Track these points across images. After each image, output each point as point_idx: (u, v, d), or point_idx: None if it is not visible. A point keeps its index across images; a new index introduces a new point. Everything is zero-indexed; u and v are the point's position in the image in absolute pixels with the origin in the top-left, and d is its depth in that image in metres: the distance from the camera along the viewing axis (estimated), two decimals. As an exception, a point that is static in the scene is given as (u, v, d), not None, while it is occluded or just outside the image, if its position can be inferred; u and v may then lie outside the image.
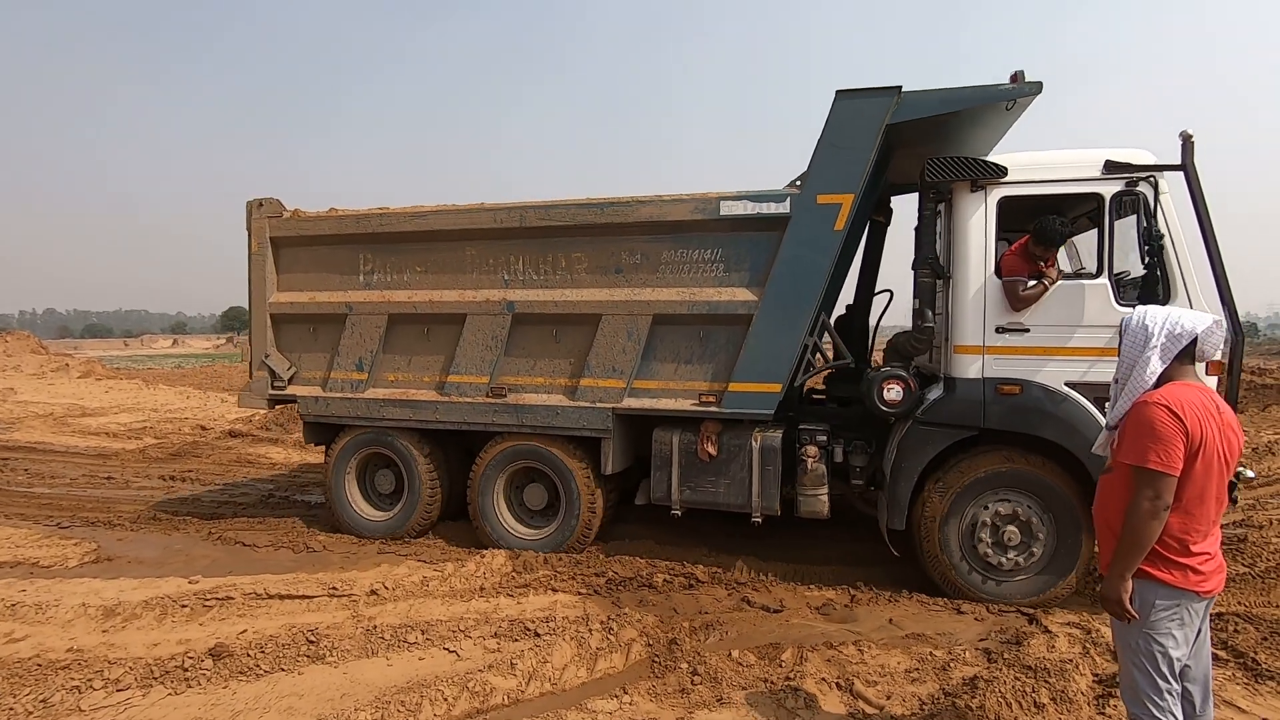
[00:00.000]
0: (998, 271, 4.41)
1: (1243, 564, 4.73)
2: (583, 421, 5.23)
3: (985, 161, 4.40)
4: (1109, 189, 4.24)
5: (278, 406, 7.47)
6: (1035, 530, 4.43)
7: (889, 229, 6.22)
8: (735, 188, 4.89)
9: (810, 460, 4.88)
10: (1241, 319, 4.05)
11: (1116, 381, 2.39)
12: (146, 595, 4.54)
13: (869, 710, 3.27)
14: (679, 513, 5.15)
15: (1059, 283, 4.33)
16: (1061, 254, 4.82)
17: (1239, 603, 4.38)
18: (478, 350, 5.45)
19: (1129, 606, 2.23)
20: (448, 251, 5.51)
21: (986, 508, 4.50)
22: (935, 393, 4.64)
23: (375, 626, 4.08)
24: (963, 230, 4.49)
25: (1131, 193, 4.19)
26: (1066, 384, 4.31)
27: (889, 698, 3.36)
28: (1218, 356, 2.36)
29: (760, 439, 4.93)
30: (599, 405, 5.19)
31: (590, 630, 3.96)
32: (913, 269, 4.74)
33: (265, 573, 5.00)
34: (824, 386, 6.09)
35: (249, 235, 5.94)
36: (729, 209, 4.81)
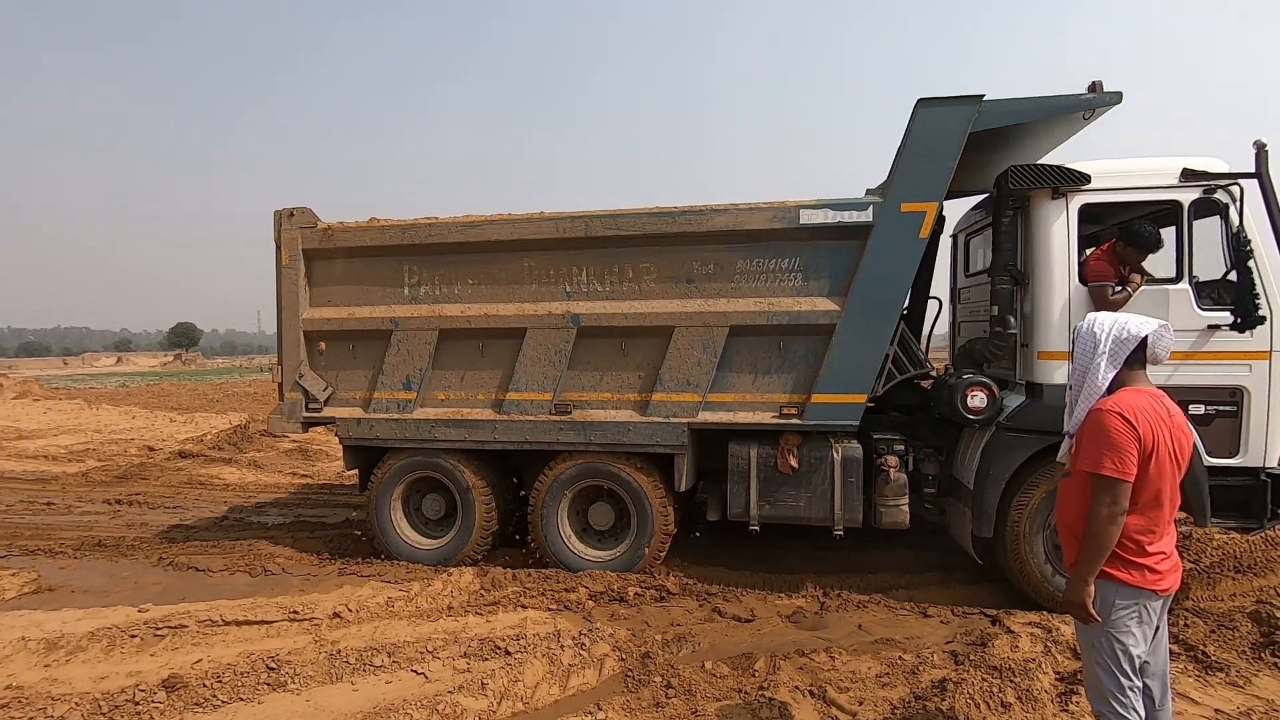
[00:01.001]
0: (1082, 277, 4.45)
1: (1189, 560, 4.92)
2: (656, 438, 5.04)
3: (1069, 169, 4.45)
4: (1187, 196, 4.34)
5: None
6: None
7: (941, 235, 6.29)
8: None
9: (891, 470, 4.80)
10: None
11: (1071, 388, 2.47)
12: (92, 626, 4.33)
13: (842, 717, 3.30)
14: (757, 528, 4.98)
15: (1143, 288, 4.37)
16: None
17: (1187, 597, 4.56)
18: (539, 366, 5.21)
19: (1091, 609, 2.31)
20: (504, 263, 5.25)
21: None
22: (1014, 399, 4.64)
23: (339, 650, 3.95)
24: (1045, 237, 4.51)
25: (1209, 199, 4.31)
26: None
27: (861, 703, 3.39)
28: (1167, 359, 2.45)
29: (841, 450, 4.85)
30: (673, 420, 5.01)
31: (562, 646, 3.91)
32: (989, 276, 4.75)
33: (220, 598, 4.81)
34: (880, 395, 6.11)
35: (278, 247, 5.56)
36: (809, 217, 4.73)
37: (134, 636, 4.18)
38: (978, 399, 4.57)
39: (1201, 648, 3.83)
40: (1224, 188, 4.29)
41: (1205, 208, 4.34)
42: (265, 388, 25.73)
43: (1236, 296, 4.24)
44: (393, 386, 5.48)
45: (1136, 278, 4.41)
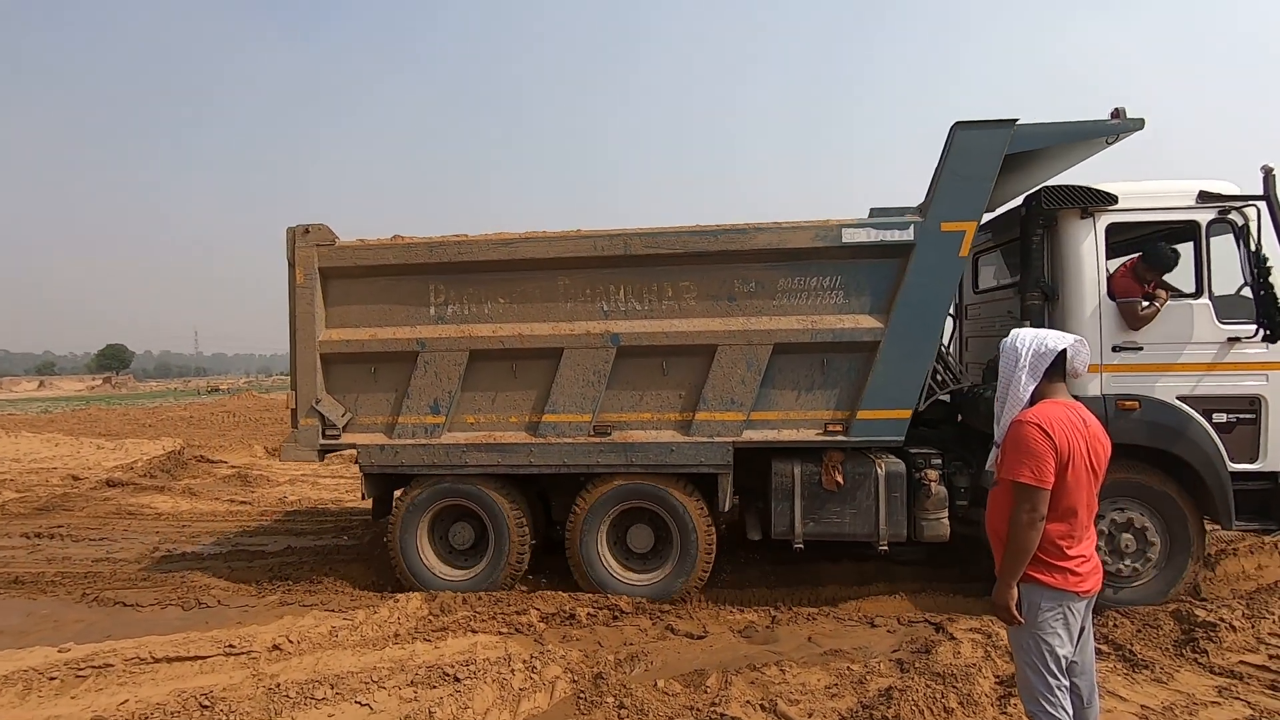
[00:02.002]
0: (1111, 293, 4.66)
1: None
2: (700, 457, 4.98)
3: (1099, 190, 4.68)
4: (1204, 217, 4.62)
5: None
6: (1150, 536, 4.63)
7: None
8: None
9: (932, 484, 4.83)
10: None
11: (998, 400, 2.59)
12: (6, 669, 4.04)
13: (792, 729, 3.33)
14: (801, 546, 4.96)
15: (1168, 303, 4.61)
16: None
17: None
18: (577, 387, 5.07)
19: (1015, 612, 2.41)
20: (537, 281, 5.11)
21: (1103, 516, 4.62)
22: None
23: (278, 685, 3.79)
24: (1075, 255, 4.71)
25: (1224, 220, 4.61)
26: (1178, 398, 4.60)
27: (811, 715, 3.44)
28: (1084, 372, 2.60)
29: (884, 466, 4.88)
30: (717, 440, 4.96)
31: (513, 671, 3.85)
32: (1019, 292, 4.92)
33: (150, 634, 4.56)
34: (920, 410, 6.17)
35: (292, 266, 5.26)
36: (852, 236, 4.78)
37: (53, 679, 3.93)
38: None
39: (1129, 646, 4.02)
40: (1237, 209, 4.60)
41: (1220, 227, 4.64)
42: (202, 411, 24.67)
43: (1264, 310, 4.51)
44: (419, 410, 5.23)
45: (1162, 293, 4.64)
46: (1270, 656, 3.85)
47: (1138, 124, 4.78)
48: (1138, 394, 4.62)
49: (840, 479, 4.87)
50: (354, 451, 5.43)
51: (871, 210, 5.48)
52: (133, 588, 5.64)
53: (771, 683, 3.76)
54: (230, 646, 4.29)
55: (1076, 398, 4.60)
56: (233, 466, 11.97)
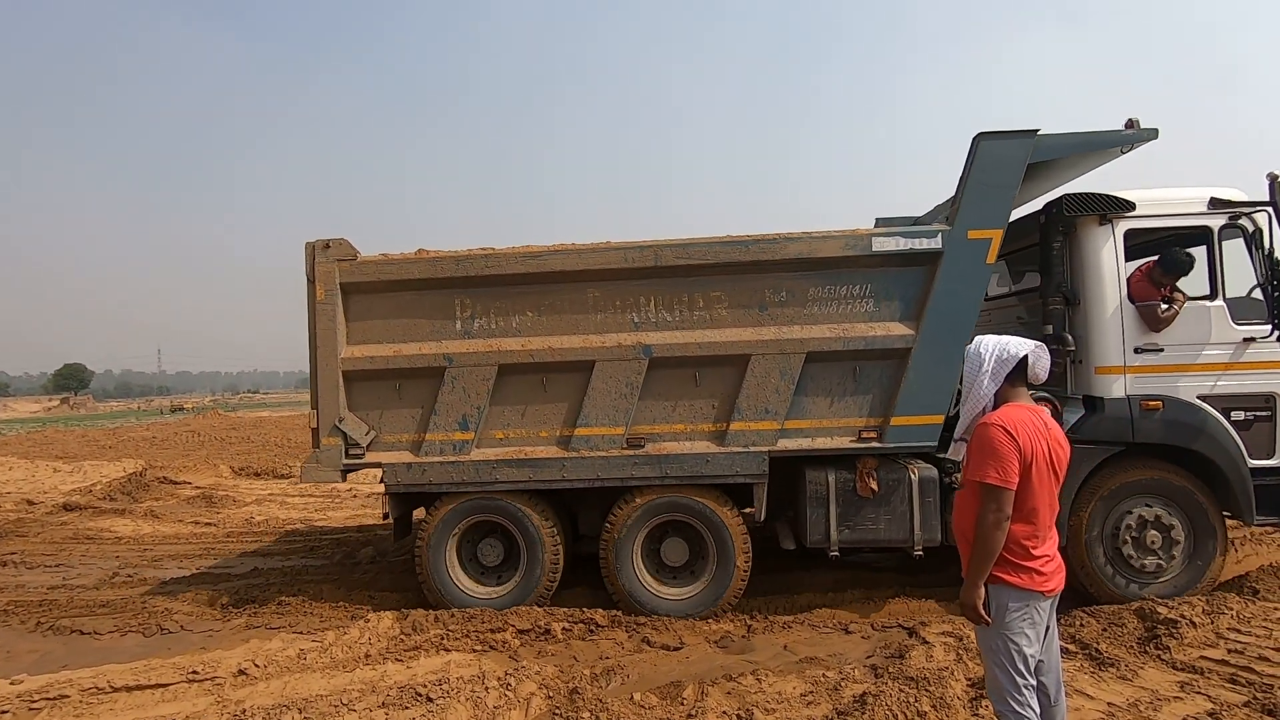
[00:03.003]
0: (1130, 297, 4.81)
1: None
2: (736, 468, 4.97)
3: (1118, 198, 4.82)
4: (1216, 222, 4.81)
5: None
6: (1175, 534, 4.75)
7: None
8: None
9: None
10: None
11: (963, 402, 2.66)
12: (-46, 704, 3.88)
13: (769, 738, 3.34)
14: (836, 554, 4.94)
15: (1186, 305, 4.76)
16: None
17: (1081, 599, 4.87)
18: (610, 399, 5.03)
19: (982, 611, 2.45)
20: (566, 294, 5.08)
21: (1130, 512, 4.79)
22: (1071, 413, 4.90)
23: (244, 711, 3.69)
24: (1095, 260, 4.86)
25: (1235, 225, 4.79)
26: (1199, 397, 4.74)
27: (787, 723, 3.44)
28: (1045, 377, 2.67)
29: (916, 471, 4.88)
30: (752, 449, 4.96)
31: (487, 689, 3.79)
32: (1041, 297, 5.03)
33: (109, 662, 4.41)
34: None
35: (311, 282, 5.15)
36: (881, 245, 4.84)
37: (4, 713, 3.78)
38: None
39: (1095, 645, 4.10)
40: (1247, 214, 4.78)
41: (1231, 232, 4.82)
42: (165, 431, 24.01)
43: (1277, 311, 4.70)
44: (447, 427, 5.14)
45: (1180, 295, 4.79)
46: (1229, 651, 3.96)
47: (1151, 134, 4.95)
48: (1161, 394, 4.76)
49: (876, 485, 4.88)
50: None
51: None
52: (90, 615, 5.46)
53: (748, 692, 3.76)
54: (194, 673, 4.17)
55: (1100, 399, 4.81)
56: (197, 487, 11.65)
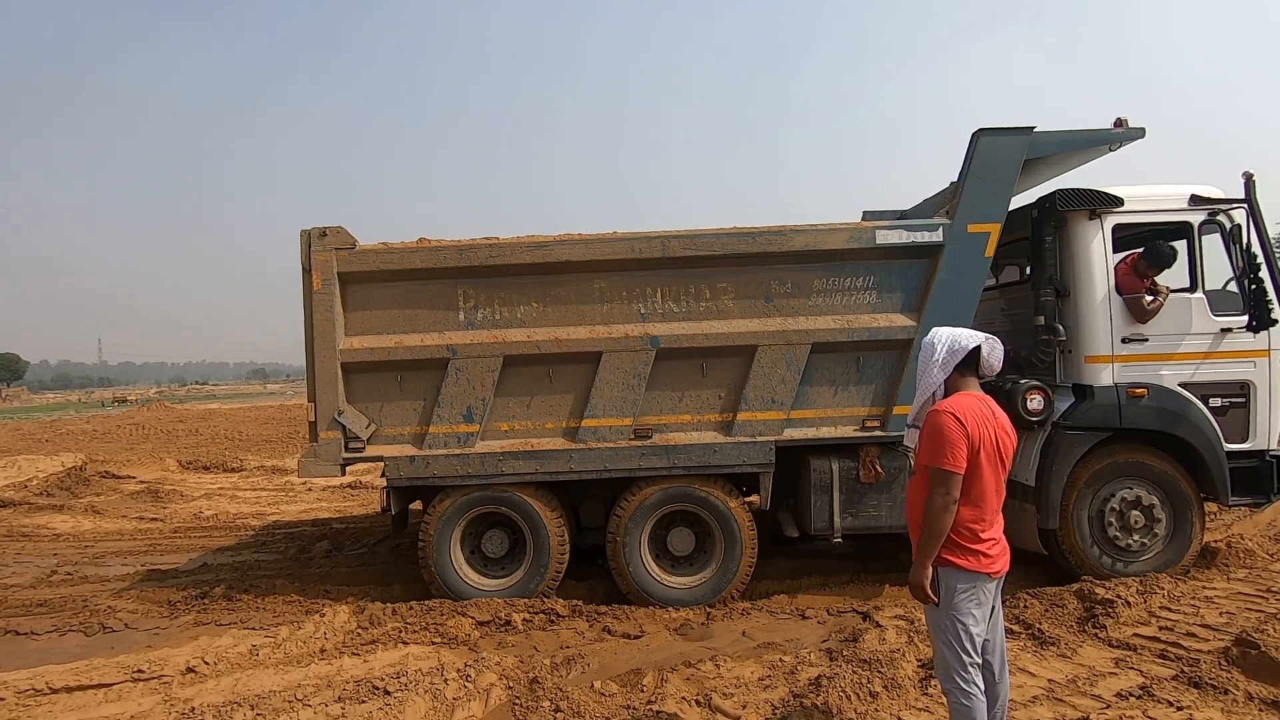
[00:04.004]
0: (1118, 288, 4.99)
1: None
2: (743, 457, 5.01)
3: (1107, 193, 5.00)
4: (1196, 218, 5.04)
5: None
6: (1156, 514, 4.96)
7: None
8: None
9: None
10: None
11: (917, 389, 2.75)
12: (-123, 711, 3.69)
13: (727, 722, 3.40)
14: (840, 540, 5.07)
15: (1169, 297, 4.97)
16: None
17: (1020, 581, 5.05)
18: (617, 390, 5.02)
19: (929, 591, 2.54)
20: (572, 284, 5.04)
21: (1114, 495, 4.99)
22: (1063, 400, 5.06)
23: (193, 709, 3.59)
24: (1085, 253, 5.03)
25: (1213, 221, 5.02)
26: (1180, 385, 4.96)
27: (745, 707, 3.51)
28: (999, 370, 2.77)
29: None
30: (759, 439, 5.00)
31: (446, 680, 3.77)
32: (1033, 289, 5.18)
33: (47, 663, 4.23)
34: None
35: (307, 271, 5.01)
36: (885, 238, 4.92)
37: (-68, 717, 3.61)
38: (1036, 402, 4.94)
39: (1037, 625, 4.28)
40: (1224, 211, 5.01)
41: (1210, 227, 5.06)
42: (107, 424, 23.03)
43: (1251, 303, 4.92)
44: (452, 420, 5.06)
45: (1164, 287, 5.00)
46: (1160, 628, 4.17)
47: (1139, 133, 5.16)
48: (1146, 382, 4.98)
49: (880, 469, 5.02)
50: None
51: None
52: (27, 614, 5.24)
53: (707, 678, 3.81)
54: (139, 672, 4.03)
55: (1090, 386, 4.99)
56: (142, 482, 11.24)
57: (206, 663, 4.13)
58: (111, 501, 9.86)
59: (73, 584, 6.08)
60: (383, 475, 5.18)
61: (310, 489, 10.32)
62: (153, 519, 8.72)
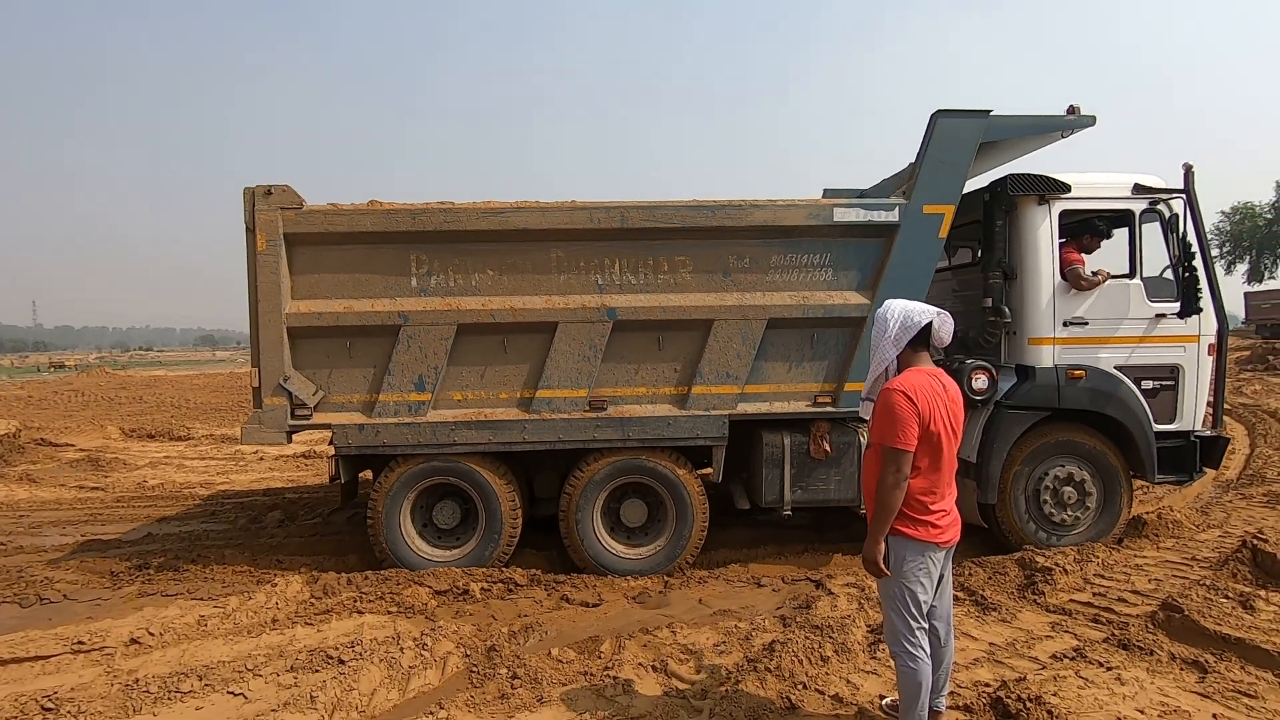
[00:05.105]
0: (1063, 273, 5.12)
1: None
2: (697, 430, 5.03)
3: (1057, 180, 5.09)
4: (1138, 206, 5.20)
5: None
6: (1087, 488, 5.18)
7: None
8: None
9: None
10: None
11: (870, 362, 2.79)
12: None
13: (682, 686, 3.46)
14: (790, 513, 5.15)
15: (1108, 282, 5.13)
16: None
17: (970, 550, 5.27)
18: (572, 362, 4.97)
19: (882, 565, 2.61)
20: (529, 253, 4.94)
21: (1048, 473, 5.18)
22: (1006, 380, 5.21)
23: (137, 680, 3.49)
24: (1032, 237, 5.15)
25: (1154, 210, 5.19)
26: (1116, 367, 5.15)
27: (699, 671, 3.58)
28: (949, 343, 2.82)
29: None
30: (713, 413, 5.03)
31: (402, 649, 3.74)
32: (982, 271, 5.27)
33: (-21, 636, 4.07)
34: None
35: (250, 230, 4.80)
36: (843, 215, 4.94)
37: None
38: (981, 381, 5.08)
39: (980, 592, 4.46)
40: (1164, 200, 5.16)
41: (1150, 216, 5.22)
42: (43, 390, 22.00)
43: (1183, 290, 5.09)
44: (403, 388, 4.96)
45: (1104, 270, 5.17)
46: (1094, 594, 4.39)
47: (1090, 120, 5.29)
48: (1084, 364, 5.16)
49: (829, 448, 5.11)
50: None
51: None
52: (-44, 586, 5.01)
53: (663, 644, 3.87)
54: (79, 643, 3.91)
55: (1031, 367, 5.13)
56: (81, 450, 10.80)
57: (151, 634, 4.02)
58: (49, 470, 9.46)
59: (6, 554, 5.84)
60: (330, 443, 5.08)
61: (262, 458, 10.07)
62: (93, 488, 8.41)
